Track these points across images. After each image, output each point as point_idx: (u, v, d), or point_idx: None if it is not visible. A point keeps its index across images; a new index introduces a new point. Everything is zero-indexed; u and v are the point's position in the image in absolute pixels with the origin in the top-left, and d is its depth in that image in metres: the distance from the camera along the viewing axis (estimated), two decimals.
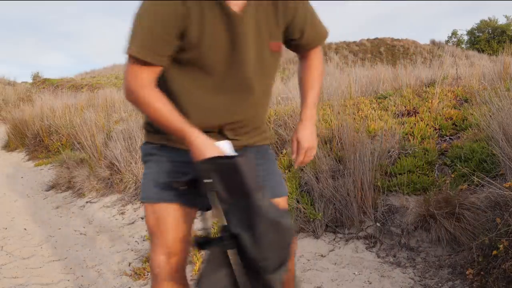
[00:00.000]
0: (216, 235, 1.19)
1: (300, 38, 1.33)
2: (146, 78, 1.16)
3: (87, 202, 4.43)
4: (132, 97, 1.18)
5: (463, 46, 22.41)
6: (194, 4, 1.12)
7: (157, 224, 1.32)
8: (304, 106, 1.42)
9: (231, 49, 1.20)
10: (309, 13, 1.32)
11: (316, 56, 1.43)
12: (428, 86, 4.85)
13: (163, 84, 1.23)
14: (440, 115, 3.76)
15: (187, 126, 1.16)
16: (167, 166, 1.32)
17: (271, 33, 1.25)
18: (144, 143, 1.40)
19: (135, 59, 1.14)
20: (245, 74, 1.24)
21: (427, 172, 3.00)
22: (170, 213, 1.31)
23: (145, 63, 1.14)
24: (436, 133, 3.51)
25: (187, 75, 1.22)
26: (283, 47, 1.36)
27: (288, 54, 16.26)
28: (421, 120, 3.74)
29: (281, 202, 1.42)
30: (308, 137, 1.40)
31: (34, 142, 7.51)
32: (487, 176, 2.44)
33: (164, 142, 1.32)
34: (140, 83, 1.16)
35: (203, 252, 2.37)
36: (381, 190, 2.87)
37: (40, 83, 16.00)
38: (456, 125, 3.59)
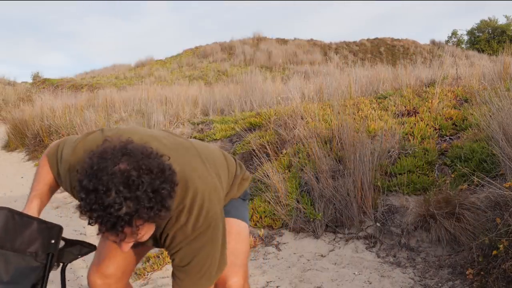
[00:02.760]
0: None
1: None
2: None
3: None
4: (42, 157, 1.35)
5: (463, 46, 22.39)
6: None
7: (105, 245, 1.32)
8: None
9: None
10: (181, 259, 1.19)
11: None
12: (428, 86, 4.84)
13: None
14: (440, 115, 3.76)
15: (32, 196, 1.25)
16: None
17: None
18: None
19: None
20: None
21: (427, 172, 3.00)
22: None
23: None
24: (436, 133, 3.50)
25: None
26: None
27: (286, 54, 16.26)
28: (421, 120, 3.74)
29: (240, 223, 1.43)
30: None
31: (34, 142, 7.49)
32: (487, 176, 2.44)
33: None
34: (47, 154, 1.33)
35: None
36: (381, 190, 2.87)
37: (40, 83, 15.99)
38: (456, 125, 3.59)
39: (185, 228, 1.13)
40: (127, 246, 1.03)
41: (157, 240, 1.23)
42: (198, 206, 1.13)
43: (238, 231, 1.39)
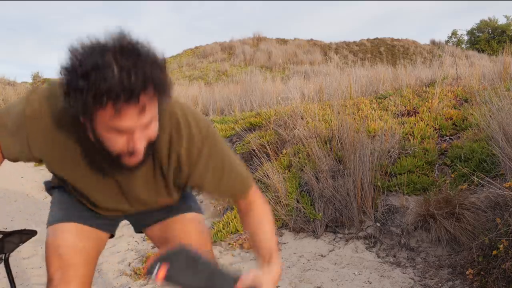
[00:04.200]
0: None
1: (210, 193, 1.22)
2: None
3: None
4: None
5: (463, 46, 22.39)
6: (60, 157, 1.07)
7: (63, 259, 1.20)
8: (261, 253, 1.16)
9: (115, 196, 1.18)
10: (211, 172, 1.13)
11: (249, 207, 1.27)
12: (428, 86, 4.84)
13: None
14: (440, 115, 3.76)
15: None
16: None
17: (161, 192, 1.20)
18: (49, 180, 1.39)
19: None
20: (130, 208, 1.24)
21: (427, 172, 3.00)
22: (79, 245, 1.23)
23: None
24: (436, 133, 3.51)
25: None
26: None
27: (286, 54, 16.26)
28: (421, 120, 3.74)
29: (196, 216, 1.39)
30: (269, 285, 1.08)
31: None
32: (487, 176, 2.44)
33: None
34: None
35: None
36: (381, 190, 2.87)
37: (40, 83, 16.01)
38: (456, 125, 3.59)
39: (193, 139, 1.09)
40: (141, 140, 0.92)
41: (166, 178, 1.15)
42: (191, 116, 1.10)
43: (205, 227, 1.42)
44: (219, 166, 1.13)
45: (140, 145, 0.92)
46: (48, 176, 1.36)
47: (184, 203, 1.38)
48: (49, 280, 1.20)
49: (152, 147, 0.97)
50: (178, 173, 1.13)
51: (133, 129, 0.89)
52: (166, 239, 1.37)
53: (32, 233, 1.33)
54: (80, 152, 1.07)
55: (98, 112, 0.85)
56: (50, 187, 1.37)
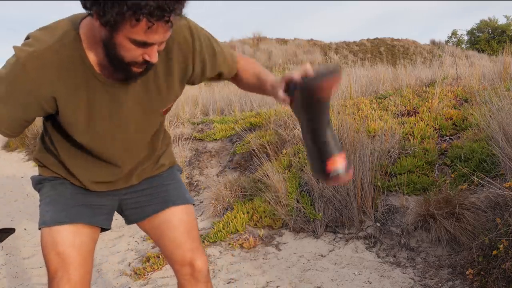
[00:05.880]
0: None
1: (214, 78, 1.33)
2: None
3: None
4: None
5: (463, 46, 22.37)
6: (64, 85, 1.08)
7: (62, 258, 1.22)
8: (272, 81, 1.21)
9: (110, 117, 1.19)
10: (211, 56, 1.24)
11: (241, 69, 1.34)
12: (428, 86, 4.84)
13: (49, 139, 1.24)
14: (440, 115, 3.76)
15: None
16: (66, 189, 1.31)
17: (163, 98, 1.23)
18: (37, 175, 1.38)
19: None
20: (125, 135, 1.24)
21: (427, 172, 3.00)
22: (75, 242, 1.24)
23: None
24: (436, 133, 3.50)
25: (67, 137, 1.21)
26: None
27: (286, 54, 16.26)
28: (421, 120, 3.74)
29: (185, 209, 1.41)
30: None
31: (34, 142, 7.50)
32: (487, 176, 2.44)
33: (56, 175, 1.32)
34: None
35: None
36: (381, 190, 2.87)
37: None
38: (456, 125, 3.59)
39: (185, 28, 1.17)
40: (156, 52, 1.01)
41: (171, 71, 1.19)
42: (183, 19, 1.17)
43: (194, 218, 1.45)
44: (210, 45, 1.24)
45: (155, 58, 1.01)
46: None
47: (176, 193, 1.42)
48: (51, 279, 1.22)
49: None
50: (182, 63, 1.20)
51: (155, 44, 0.98)
52: (162, 231, 1.41)
53: (10, 231, 1.33)
54: (84, 78, 1.09)
55: (128, 25, 0.92)
56: (38, 181, 1.36)
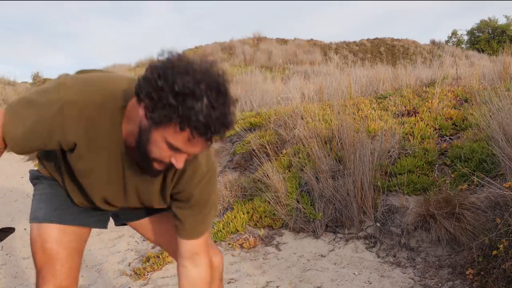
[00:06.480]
0: None
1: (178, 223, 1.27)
2: None
3: None
4: None
5: (463, 46, 22.35)
6: (89, 142, 1.09)
7: (48, 254, 1.25)
8: None
9: (116, 191, 1.22)
10: (197, 211, 1.24)
11: (197, 268, 1.27)
12: (428, 86, 4.84)
13: (58, 154, 1.23)
14: (440, 115, 3.76)
15: None
16: (62, 190, 1.32)
17: (163, 198, 1.25)
18: (36, 170, 1.39)
19: (2, 128, 1.10)
20: (126, 204, 1.28)
21: (427, 172, 3.00)
22: (62, 239, 1.27)
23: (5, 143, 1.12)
24: (436, 133, 3.50)
25: (69, 166, 1.20)
26: None
27: (286, 54, 16.26)
28: (421, 120, 3.74)
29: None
30: None
31: None
32: (487, 176, 2.44)
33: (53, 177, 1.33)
34: None
35: None
36: (381, 190, 2.87)
37: (40, 83, 16.01)
38: (456, 125, 3.59)
39: (201, 168, 1.18)
40: (184, 161, 1.02)
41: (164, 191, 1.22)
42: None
43: None
44: (204, 200, 1.23)
45: (182, 165, 1.02)
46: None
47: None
48: (37, 275, 1.26)
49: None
50: (174, 187, 1.20)
51: (187, 153, 1.00)
52: (156, 232, 1.43)
53: (10, 230, 1.34)
54: (108, 144, 1.10)
55: (172, 129, 0.93)
56: (35, 176, 1.37)
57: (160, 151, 0.99)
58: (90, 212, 1.34)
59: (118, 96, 1.06)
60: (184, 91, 0.89)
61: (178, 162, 1.01)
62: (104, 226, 1.42)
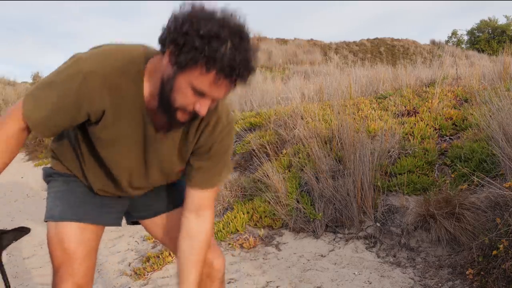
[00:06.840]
0: None
1: (194, 171, 1.27)
2: (15, 130, 1.10)
3: None
4: None
5: (463, 46, 22.35)
6: (114, 107, 1.09)
7: (67, 253, 1.25)
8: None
9: (140, 157, 1.22)
10: (215, 162, 1.25)
11: (199, 218, 1.29)
12: (428, 86, 4.84)
13: (74, 136, 1.23)
14: (440, 115, 3.76)
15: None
16: (78, 187, 1.32)
17: (183, 157, 1.26)
18: (49, 167, 1.38)
19: (24, 116, 1.08)
20: (147, 180, 1.29)
21: (427, 172, 3.00)
22: (81, 238, 1.27)
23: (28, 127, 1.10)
24: (436, 133, 3.51)
25: (90, 143, 1.20)
26: None
27: (286, 54, 16.27)
28: (421, 120, 3.74)
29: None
30: None
31: (34, 142, 7.50)
32: (487, 176, 2.44)
33: (68, 172, 1.32)
34: (5, 128, 1.09)
35: None
36: (381, 190, 2.87)
37: None
38: (456, 125, 3.59)
39: (222, 120, 1.20)
40: (207, 106, 1.03)
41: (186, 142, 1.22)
42: (225, 104, 1.21)
43: None
44: (222, 151, 1.24)
45: (205, 111, 1.03)
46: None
47: (181, 197, 1.41)
48: (55, 273, 1.25)
49: (198, 115, 1.05)
50: (197, 142, 1.21)
51: (211, 97, 1.01)
52: (166, 231, 1.43)
53: (26, 230, 1.34)
54: (131, 108, 1.11)
55: (198, 72, 0.95)
56: (49, 174, 1.36)
57: (184, 98, 1.00)
58: (106, 208, 1.34)
59: (136, 60, 1.08)
60: (210, 34, 0.91)
61: (202, 107, 1.01)
62: (119, 223, 1.42)
